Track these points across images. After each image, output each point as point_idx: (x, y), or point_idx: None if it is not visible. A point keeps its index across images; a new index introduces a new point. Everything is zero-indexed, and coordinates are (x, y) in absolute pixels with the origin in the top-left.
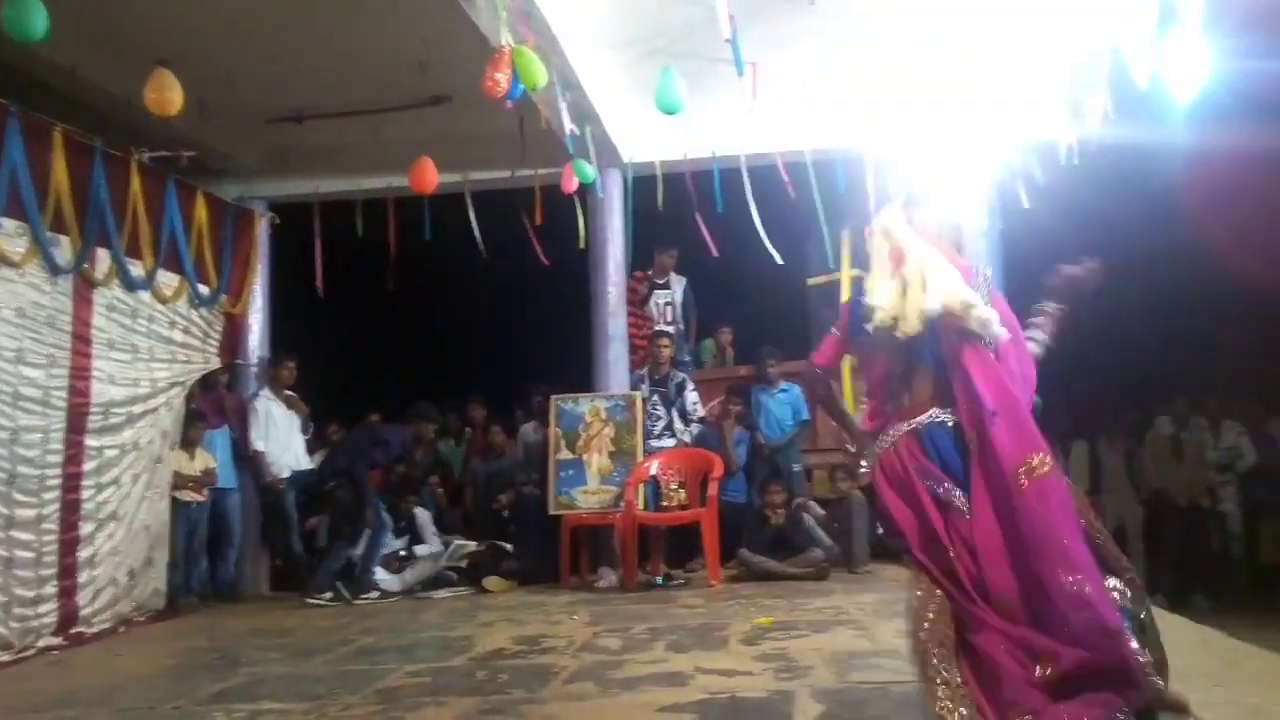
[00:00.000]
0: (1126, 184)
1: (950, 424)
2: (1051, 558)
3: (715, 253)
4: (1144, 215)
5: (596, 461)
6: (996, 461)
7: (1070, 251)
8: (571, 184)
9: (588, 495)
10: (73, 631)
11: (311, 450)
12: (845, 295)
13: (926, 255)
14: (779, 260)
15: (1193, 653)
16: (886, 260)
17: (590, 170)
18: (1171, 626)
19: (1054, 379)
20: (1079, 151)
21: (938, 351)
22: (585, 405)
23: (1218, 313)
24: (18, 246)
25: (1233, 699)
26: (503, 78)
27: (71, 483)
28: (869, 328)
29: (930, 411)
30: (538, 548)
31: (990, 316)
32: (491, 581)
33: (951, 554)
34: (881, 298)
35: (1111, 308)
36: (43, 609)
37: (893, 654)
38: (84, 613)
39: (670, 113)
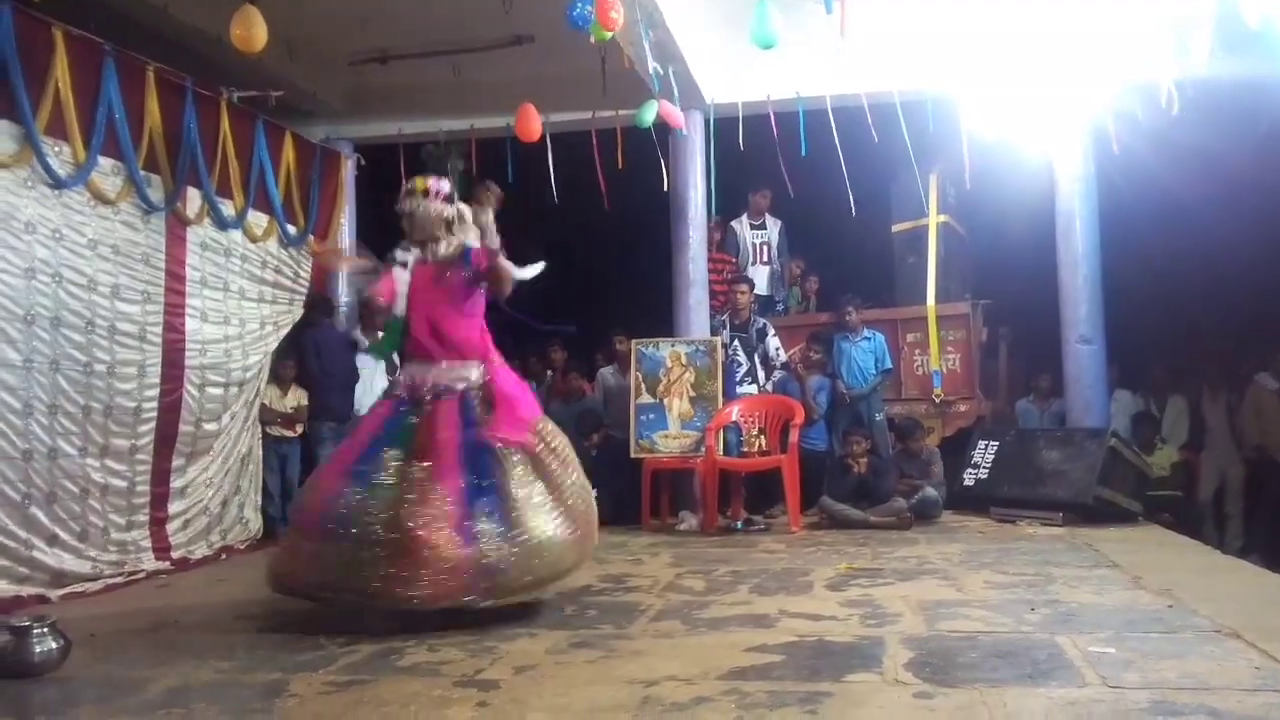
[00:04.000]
0: (1233, 126)
1: None
2: None
3: (792, 195)
4: (1251, 160)
5: (677, 406)
6: None
7: (1172, 193)
8: (677, 120)
9: (668, 439)
10: (177, 557)
11: None
12: (932, 241)
13: None
14: (852, 210)
15: None
16: None
17: (650, 114)
18: (1271, 585)
19: (1155, 333)
20: (1182, 92)
21: None
22: (666, 350)
23: None
24: (113, 184)
25: None
26: (617, 15)
27: (167, 415)
28: None
29: None
30: (618, 490)
31: None
32: None
33: None
34: None
35: (1215, 259)
36: (138, 535)
37: (981, 603)
38: (176, 539)
39: (765, 47)
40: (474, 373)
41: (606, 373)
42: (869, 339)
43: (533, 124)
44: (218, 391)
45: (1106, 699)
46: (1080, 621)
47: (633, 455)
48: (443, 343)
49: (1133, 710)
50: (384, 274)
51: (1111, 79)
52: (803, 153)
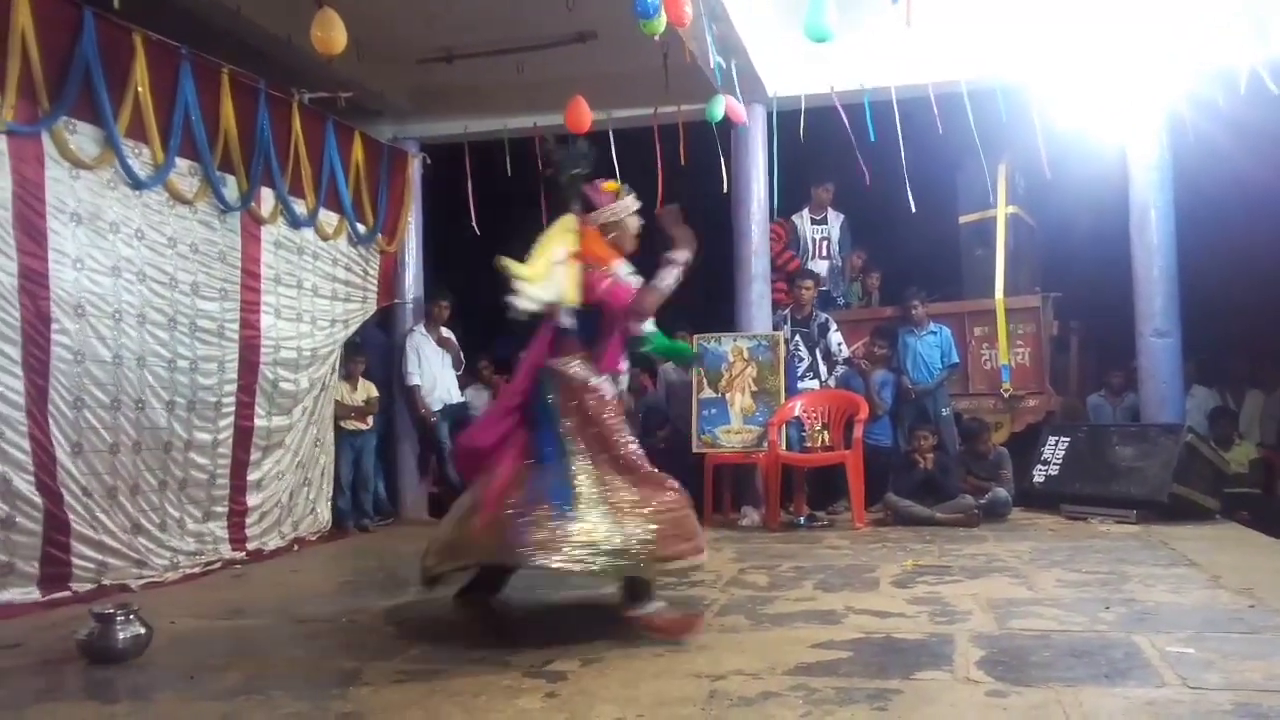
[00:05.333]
0: None
1: None
2: None
3: (868, 184)
4: None
5: (739, 401)
6: None
7: (1251, 182)
8: (739, 114)
9: (730, 434)
10: (252, 548)
11: (463, 385)
12: (1001, 232)
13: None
14: (911, 205)
15: None
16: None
17: (719, 108)
18: None
19: (1233, 326)
20: (1263, 75)
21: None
22: (728, 344)
23: None
24: (190, 185)
25: None
26: (689, 9)
27: (245, 410)
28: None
29: None
30: (682, 485)
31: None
32: None
33: None
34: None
35: None
36: (215, 526)
37: (1054, 602)
38: (252, 531)
39: (820, 40)
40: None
41: (668, 368)
42: (935, 333)
43: (583, 116)
44: (290, 387)
45: (1187, 700)
46: (1157, 621)
47: (695, 450)
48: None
49: (1215, 712)
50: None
51: (1187, 64)
52: (871, 140)
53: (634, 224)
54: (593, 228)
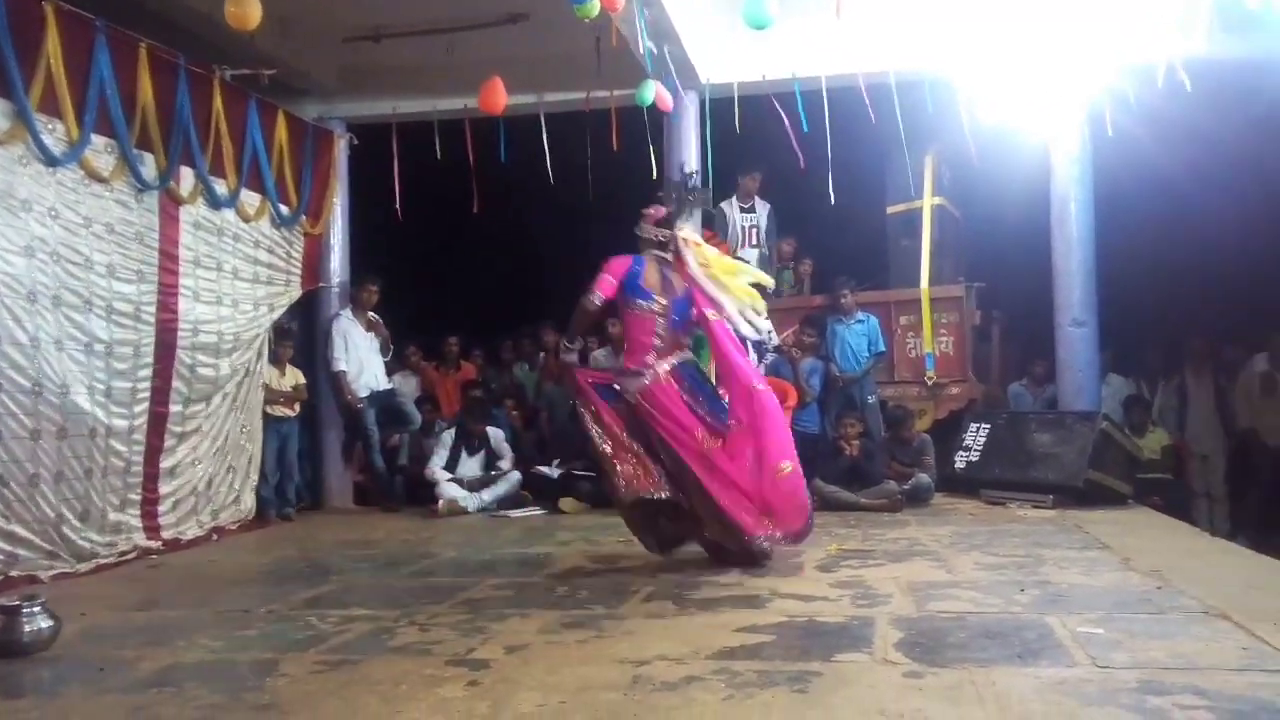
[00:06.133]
0: (1230, 107)
1: (692, 361)
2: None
3: (802, 170)
4: (1249, 141)
5: None
6: (739, 380)
7: (1167, 176)
8: (666, 102)
9: None
10: (168, 537)
11: (390, 371)
12: (926, 223)
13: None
14: (831, 195)
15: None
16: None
17: (649, 93)
18: (1259, 566)
19: (1149, 316)
20: (1179, 72)
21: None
22: None
23: None
24: (106, 163)
25: None
26: None
27: (160, 395)
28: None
29: (680, 353)
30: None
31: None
32: (566, 503)
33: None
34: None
35: (1211, 241)
36: (130, 515)
37: (971, 585)
38: (166, 519)
39: (759, 28)
40: None
41: (600, 355)
42: (862, 322)
43: (498, 96)
44: (209, 372)
45: (1095, 678)
46: (1069, 602)
47: None
48: None
49: (1121, 689)
50: None
51: (1109, 60)
52: (804, 130)
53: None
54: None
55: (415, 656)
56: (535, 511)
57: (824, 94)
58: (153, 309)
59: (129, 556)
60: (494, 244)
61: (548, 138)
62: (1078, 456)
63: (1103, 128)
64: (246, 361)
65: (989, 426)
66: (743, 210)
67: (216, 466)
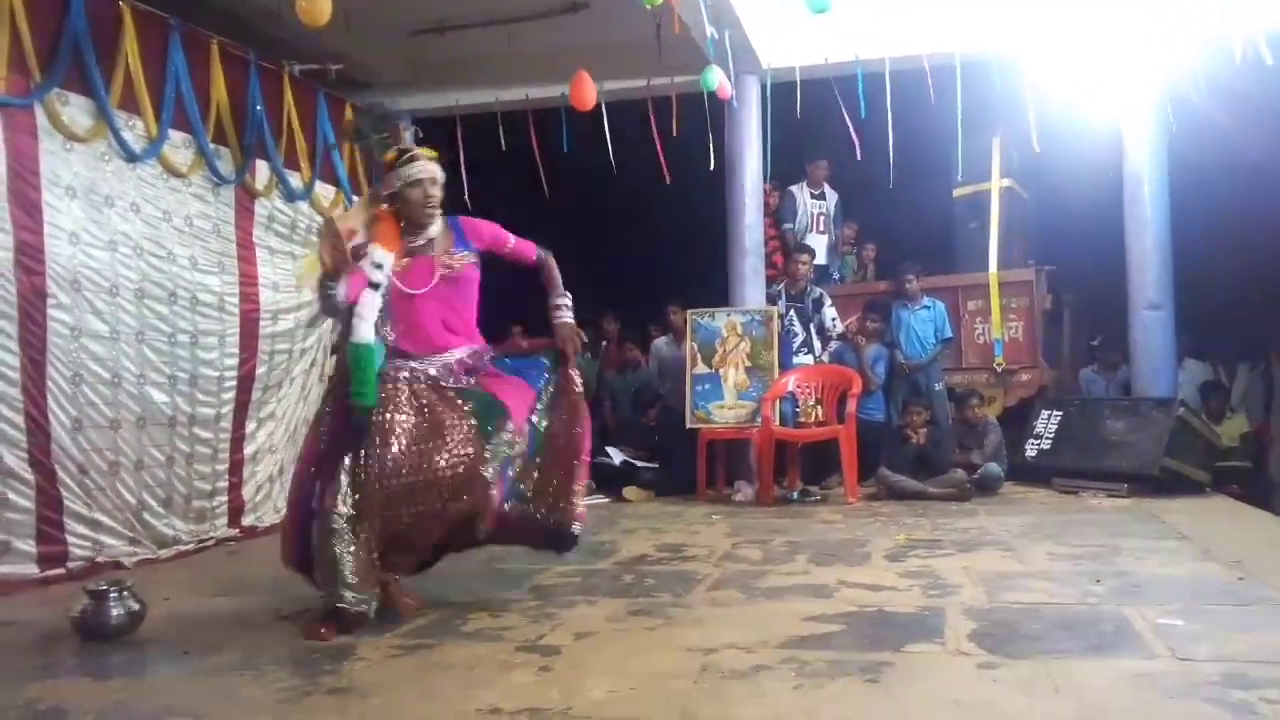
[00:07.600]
0: None
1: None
2: None
3: (859, 157)
4: None
5: (733, 376)
6: None
7: (1245, 156)
8: (726, 91)
9: (724, 410)
10: (245, 524)
11: None
12: (995, 206)
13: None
14: (890, 179)
15: None
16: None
17: (714, 78)
18: None
19: (1227, 300)
20: (1261, 46)
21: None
22: (721, 320)
23: None
24: (184, 158)
25: None
26: None
27: (245, 383)
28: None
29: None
30: (674, 460)
31: None
32: (630, 491)
33: None
34: None
35: None
36: (216, 502)
37: (1044, 575)
38: (248, 505)
39: (819, 11)
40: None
41: (661, 343)
42: (928, 307)
43: (588, 91)
44: (284, 360)
45: (1176, 671)
46: (1148, 593)
47: (688, 426)
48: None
49: (1204, 683)
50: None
51: (1183, 36)
52: (862, 115)
53: (415, 194)
54: (383, 209)
55: (487, 642)
56: (599, 500)
57: (886, 76)
58: (235, 299)
59: (209, 543)
60: (557, 233)
61: (609, 126)
62: (1154, 444)
63: (1178, 106)
64: (312, 349)
65: (1061, 413)
66: (813, 197)
67: (287, 454)
